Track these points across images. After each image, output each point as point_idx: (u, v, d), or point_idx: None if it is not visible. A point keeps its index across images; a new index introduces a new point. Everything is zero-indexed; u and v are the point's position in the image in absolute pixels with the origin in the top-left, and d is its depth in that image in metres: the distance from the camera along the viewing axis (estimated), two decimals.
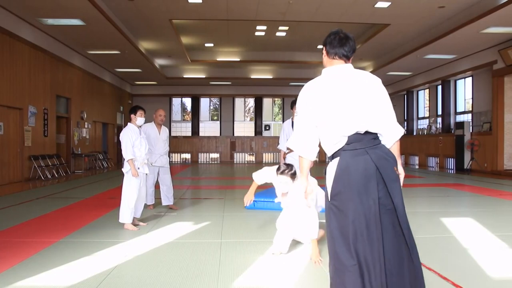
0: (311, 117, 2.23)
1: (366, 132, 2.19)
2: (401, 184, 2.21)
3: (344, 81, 2.22)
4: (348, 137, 2.18)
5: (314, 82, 2.29)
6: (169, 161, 6.48)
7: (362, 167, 2.12)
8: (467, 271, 3.34)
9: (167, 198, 6.24)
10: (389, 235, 2.07)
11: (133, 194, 4.92)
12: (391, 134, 2.24)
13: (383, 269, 2.01)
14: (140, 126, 5.24)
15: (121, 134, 5.01)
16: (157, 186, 6.40)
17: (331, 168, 2.21)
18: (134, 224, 5.02)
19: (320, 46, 15.86)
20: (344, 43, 2.27)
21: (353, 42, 2.31)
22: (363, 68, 18.42)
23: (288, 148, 5.99)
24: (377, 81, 2.25)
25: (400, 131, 2.25)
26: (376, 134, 2.23)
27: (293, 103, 5.97)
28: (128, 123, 5.15)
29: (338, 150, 2.20)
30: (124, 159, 5.00)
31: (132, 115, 5.13)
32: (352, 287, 2.02)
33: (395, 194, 2.11)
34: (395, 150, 2.27)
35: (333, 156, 2.24)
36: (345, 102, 2.17)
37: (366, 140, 2.18)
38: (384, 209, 2.09)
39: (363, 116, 2.17)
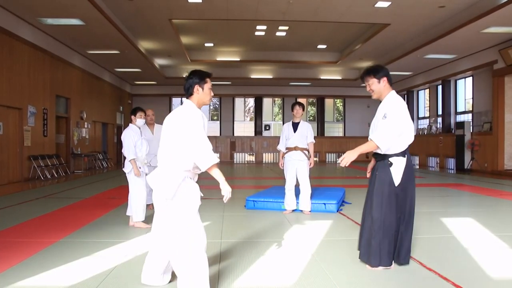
0: (406, 125, 3.26)
1: None
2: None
3: None
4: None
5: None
6: None
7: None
8: (467, 271, 3.33)
9: None
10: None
11: (142, 192, 5.04)
12: None
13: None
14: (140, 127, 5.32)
15: (123, 135, 5.12)
16: None
17: (402, 164, 3.26)
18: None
19: (321, 46, 15.87)
20: None
21: None
22: (363, 68, 18.40)
23: (287, 148, 5.99)
24: None
25: None
26: None
27: (294, 105, 5.98)
28: (130, 124, 5.25)
29: (404, 151, 3.28)
30: (125, 159, 5.07)
31: (133, 116, 5.23)
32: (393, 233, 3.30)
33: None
34: None
35: (397, 155, 3.25)
36: None
37: None
38: None
39: None
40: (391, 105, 3.29)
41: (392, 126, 3.20)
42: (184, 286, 2.67)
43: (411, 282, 3.10)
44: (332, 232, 4.76)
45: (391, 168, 3.26)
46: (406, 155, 3.28)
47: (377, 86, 3.36)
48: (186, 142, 2.71)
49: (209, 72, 2.94)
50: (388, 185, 3.25)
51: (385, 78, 3.35)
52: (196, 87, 2.85)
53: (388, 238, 3.25)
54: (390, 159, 3.27)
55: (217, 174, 2.75)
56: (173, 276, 3.09)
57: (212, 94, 2.96)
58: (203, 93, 2.87)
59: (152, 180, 2.80)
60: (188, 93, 2.88)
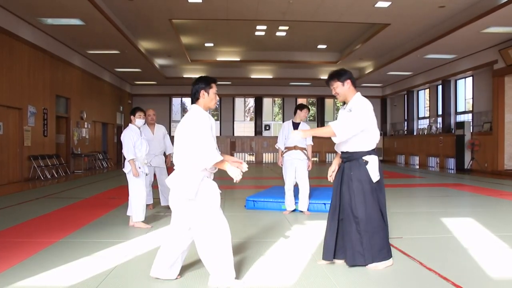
0: (371, 124, 3.41)
1: None
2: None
3: None
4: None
5: None
6: (166, 161, 6.42)
7: None
8: (467, 271, 3.34)
9: (164, 199, 6.23)
10: None
11: (142, 192, 5.04)
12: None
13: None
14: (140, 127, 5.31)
15: (122, 135, 5.12)
16: (155, 186, 6.40)
17: (376, 161, 3.41)
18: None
19: (321, 46, 15.88)
20: None
21: None
22: (363, 68, 18.43)
23: (286, 147, 5.98)
24: None
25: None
26: None
27: (303, 107, 5.98)
28: (129, 124, 5.24)
29: (374, 149, 3.44)
30: (125, 159, 5.07)
31: (132, 117, 5.24)
32: (382, 228, 3.40)
33: None
34: None
35: (369, 153, 3.41)
36: None
37: None
38: None
39: None
40: (358, 103, 3.43)
41: (356, 120, 3.32)
42: (216, 277, 2.87)
43: (411, 282, 3.10)
44: None
45: (367, 166, 3.37)
46: (376, 155, 3.45)
47: (341, 89, 3.49)
48: (193, 144, 2.89)
49: (214, 77, 3.12)
50: (368, 183, 3.36)
51: (348, 81, 3.48)
52: (202, 92, 3.04)
53: (377, 234, 3.34)
54: (364, 157, 3.39)
55: (222, 165, 2.94)
56: (181, 271, 3.17)
57: (217, 98, 3.14)
58: (208, 97, 3.06)
59: (172, 182, 2.95)
60: (195, 98, 3.05)
